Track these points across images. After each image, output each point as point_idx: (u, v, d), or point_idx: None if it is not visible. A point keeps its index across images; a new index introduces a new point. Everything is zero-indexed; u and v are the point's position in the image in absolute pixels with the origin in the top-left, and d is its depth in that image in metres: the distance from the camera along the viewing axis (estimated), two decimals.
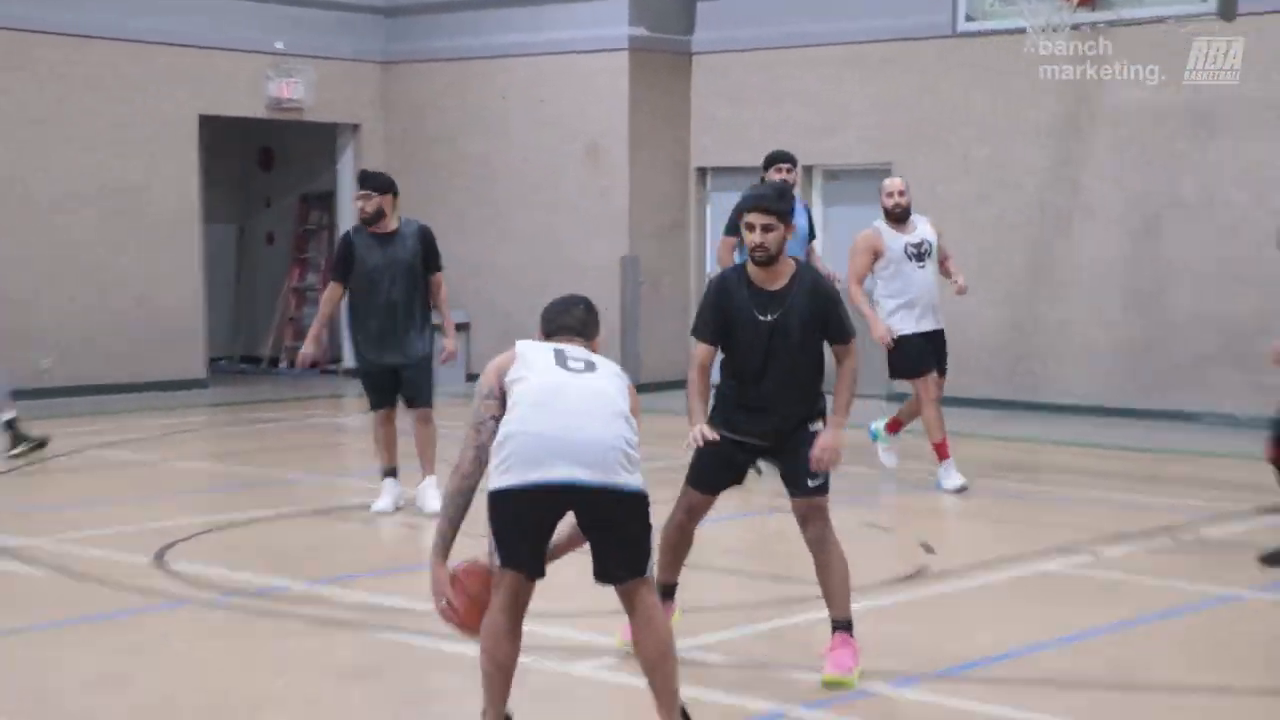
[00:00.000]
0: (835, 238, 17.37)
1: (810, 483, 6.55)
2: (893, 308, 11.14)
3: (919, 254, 11.19)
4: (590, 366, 5.51)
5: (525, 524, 5.37)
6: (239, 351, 20.82)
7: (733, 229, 11.55)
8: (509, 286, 18.27)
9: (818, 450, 6.48)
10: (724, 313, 6.51)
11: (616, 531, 5.42)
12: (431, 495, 10.02)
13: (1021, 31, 15.29)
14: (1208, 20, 14.55)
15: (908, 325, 11.12)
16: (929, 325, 11.21)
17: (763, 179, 11.79)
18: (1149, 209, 15.26)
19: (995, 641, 7.31)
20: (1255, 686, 6.69)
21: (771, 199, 6.43)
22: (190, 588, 8.21)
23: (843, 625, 6.61)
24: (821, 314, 6.48)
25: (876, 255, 11.22)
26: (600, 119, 17.69)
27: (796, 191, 11.85)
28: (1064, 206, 15.69)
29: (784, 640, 7.27)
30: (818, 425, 6.61)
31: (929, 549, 9.25)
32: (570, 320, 5.72)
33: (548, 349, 5.55)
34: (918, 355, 11.13)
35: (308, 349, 10.48)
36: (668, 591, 6.87)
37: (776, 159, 11.81)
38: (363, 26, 19.06)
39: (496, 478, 5.33)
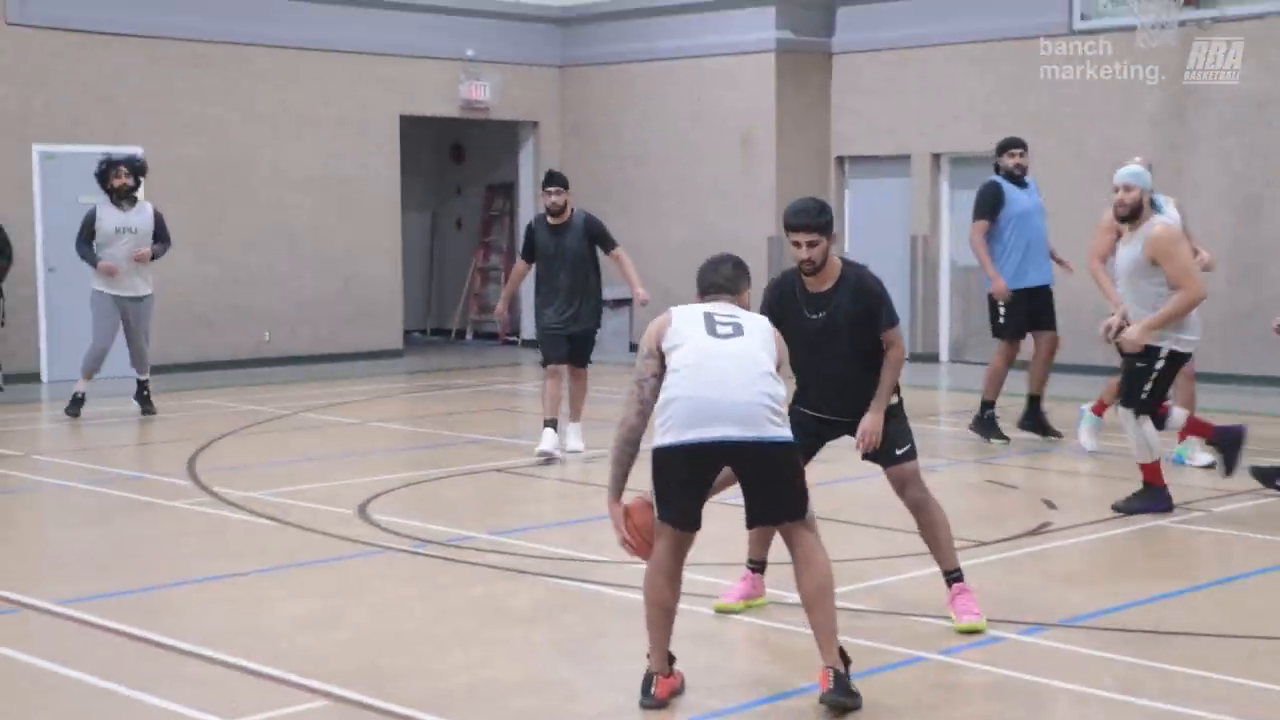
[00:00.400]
0: (961, 219, 16.99)
1: (897, 452, 6.34)
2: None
3: None
4: (738, 330, 5.44)
5: (683, 479, 5.35)
6: (430, 325, 20.96)
7: (981, 213, 11.15)
8: (667, 264, 18.22)
9: (859, 433, 6.29)
10: (774, 312, 6.24)
11: (769, 479, 5.36)
12: (573, 437, 10.79)
13: (1133, 28, 14.86)
14: None
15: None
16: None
17: (997, 164, 11.32)
18: (1250, 189, 14.68)
19: (1116, 592, 6.99)
20: None
21: (814, 215, 6.11)
22: (389, 537, 8.18)
23: (956, 575, 6.39)
24: (865, 311, 6.23)
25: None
26: (750, 113, 17.53)
27: (1030, 177, 11.39)
28: (1171, 187, 15.07)
29: (919, 590, 6.99)
30: (892, 401, 6.38)
31: (1051, 505, 8.90)
32: (718, 278, 5.65)
33: (699, 316, 5.48)
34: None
35: (500, 306, 11.54)
36: (758, 568, 6.64)
37: (1010, 145, 11.32)
38: (542, 35, 19.06)
39: (659, 437, 5.37)
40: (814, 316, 6.22)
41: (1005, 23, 16.28)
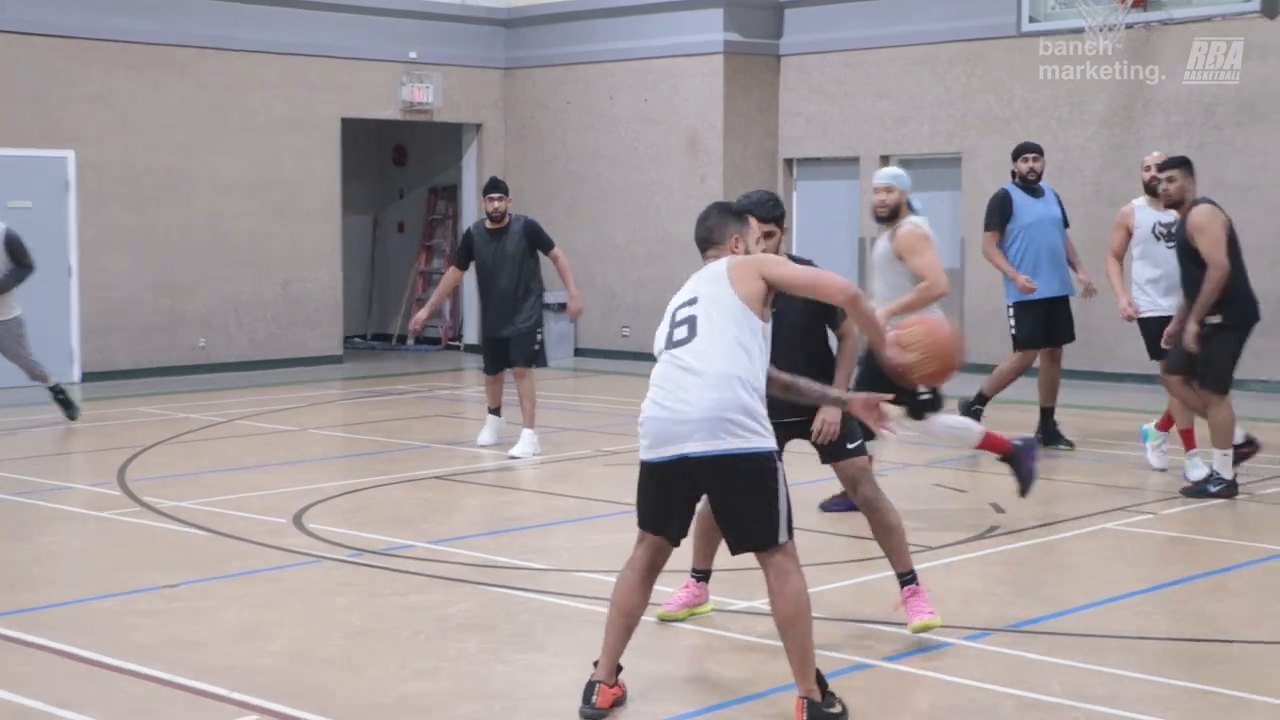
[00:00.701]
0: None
1: (849, 445, 6.30)
2: (1139, 285, 10.09)
3: (1168, 233, 9.93)
4: (692, 329, 5.25)
5: (656, 494, 5.34)
6: (371, 330, 20.84)
7: (988, 223, 11.01)
8: (614, 268, 18.29)
9: (817, 423, 6.24)
10: None
11: (736, 496, 5.22)
12: (521, 442, 10.94)
13: (1080, 31, 14.96)
14: (1252, 18, 14.14)
15: (1149, 305, 10.04)
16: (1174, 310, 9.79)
17: (1014, 171, 11.16)
18: (1200, 192, 14.74)
19: (1063, 596, 7.02)
20: None
21: (770, 208, 6.10)
22: (325, 546, 8.09)
23: (909, 578, 6.30)
24: (819, 306, 6.18)
25: (1129, 232, 10.17)
26: (697, 115, 17.55)
27: (1045, 181, 11.17)
28: (1119, 189, 15.25)
29: (867, 595, 6.97)
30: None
31: (999, 509, 8.91)
32: (702, 232, 5.56)
33: (666, 320, 5.39)
34: (1153, 338, 9.96)
35: (421, 314, 11.38)
36: (702, 576, 6.59)
37: (1023, 150, 11.15)
38: (486, 36, 19.00)
39: (640, 451, 5.38)
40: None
41: (953, 25, 16.36)
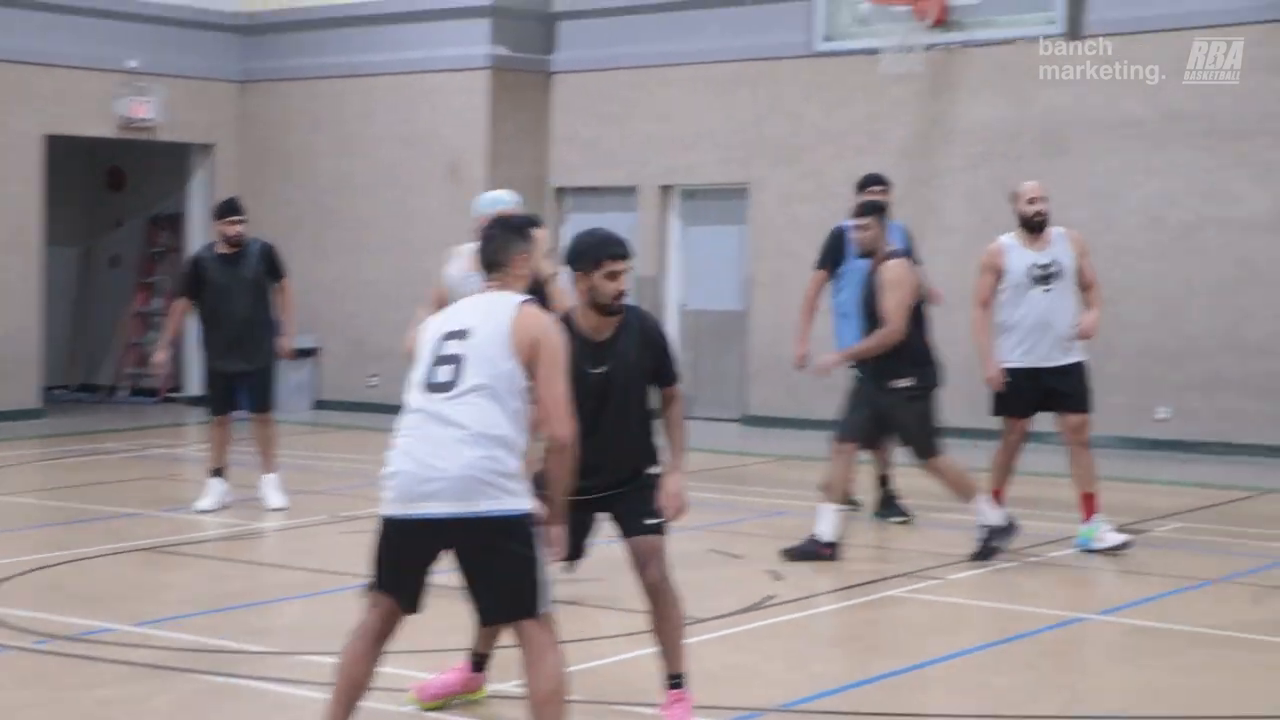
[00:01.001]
0: (694, 257, 17.39)
1: (648, 521, 6.27)
2: (1005, 335, 9.85)
3: (1044, 275, 9.80)
4: (458, 371, 5.28)
5: (396, 555, 5.38)
6: (77, 380, 20.34)
7: (819, 262, 11.08)
8: (364, 308, 18.22)
9: (668, 497, 6.24)
10: None
11: (489, 564, 5.29)
12: (272, 492, 11.27)
13: (876, 52, 15.48)
14: (1055, 39, 14.84)
15: (1013, 357, 9.82)
16: (1051, 359, 9.81)
17: (860, 204, 10.57)
18: (1001, 225, 15.30)
19: (839, 672, 7.24)
20: (1103, 712, 6.64)
21: (628, 246, 6.14)
22: (6, 633, 7.86)
23: (678, 681, 6.28)
24: (652, 361, 6.22)
25: (999, 275, 9.91)
26: (460, 137, 17.69)
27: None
28: (919, 223, 15.72)
29: (631, 675, 7.08)
30: (655, 469, 6.33)
31: (777, 576, 9.13)
32: (485, 258, 5.58)
33: (428, 349, 5.40)
34: (1009, 394, 9.83)
35: (159, 356, 11.63)
36: (479, 663, 6.58)
37: (871, 181, 11.26)
38: (218, 45, 18.85)
39: (382, 505, 5.41)
40: (596, 371, 6.06)
41: (742, 42, 16.75)
